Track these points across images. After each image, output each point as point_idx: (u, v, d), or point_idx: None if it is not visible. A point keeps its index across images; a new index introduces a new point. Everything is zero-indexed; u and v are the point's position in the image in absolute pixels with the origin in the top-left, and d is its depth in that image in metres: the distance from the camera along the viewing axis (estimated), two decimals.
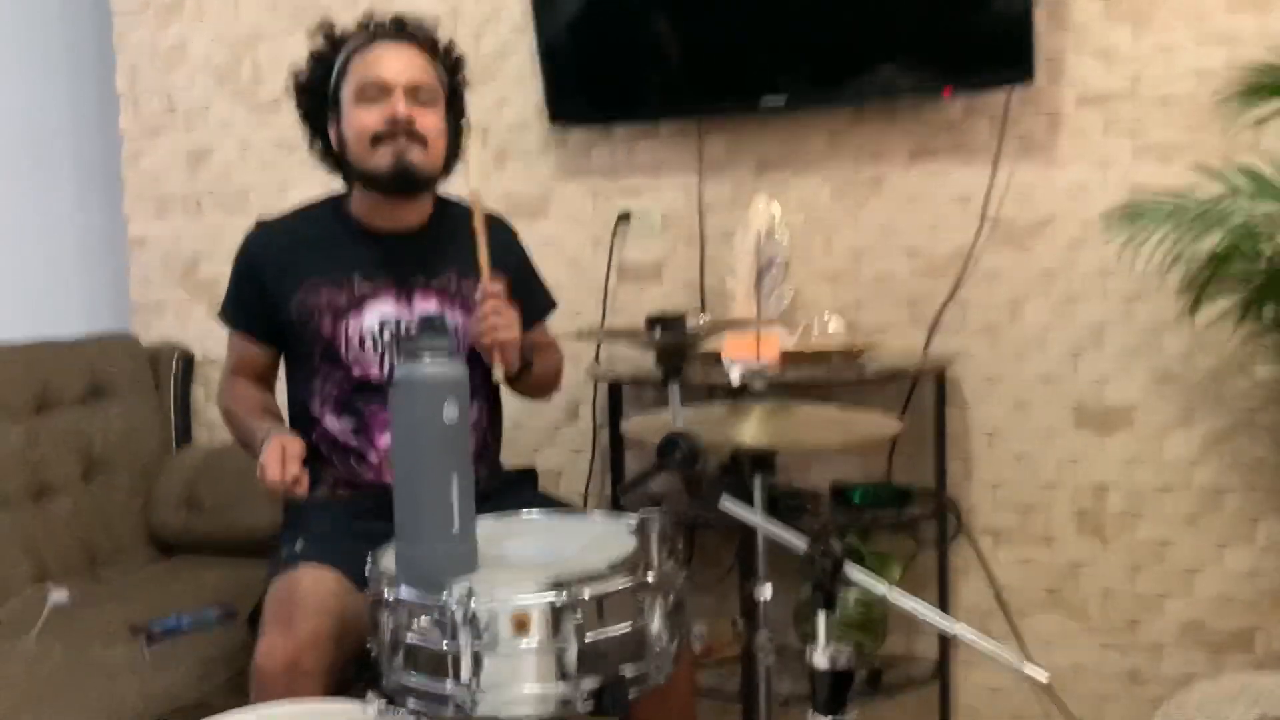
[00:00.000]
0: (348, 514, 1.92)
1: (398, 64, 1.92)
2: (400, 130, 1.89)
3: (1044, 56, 2.36)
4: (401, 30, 1.97)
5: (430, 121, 1.93)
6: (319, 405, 1.97)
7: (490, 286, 1.89)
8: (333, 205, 2.05)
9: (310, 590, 1.73)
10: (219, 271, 2.07)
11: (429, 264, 2.00)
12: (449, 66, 2.02)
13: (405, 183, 1.93)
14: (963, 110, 2.46)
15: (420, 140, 1.91)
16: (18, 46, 2.88)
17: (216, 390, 2.12)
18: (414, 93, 1.92)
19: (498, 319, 1.89)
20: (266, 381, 2.07)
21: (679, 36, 2.53)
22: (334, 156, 2.01)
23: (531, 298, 2.20)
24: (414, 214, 2.02)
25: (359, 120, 1.91)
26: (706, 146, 2.61)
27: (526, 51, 2.67)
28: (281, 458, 1.73)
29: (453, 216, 2.08)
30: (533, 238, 2.65)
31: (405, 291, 1.97)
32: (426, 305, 1.97)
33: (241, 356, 2.05)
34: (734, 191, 2.61)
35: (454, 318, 1.98)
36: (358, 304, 1.95)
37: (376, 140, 1.90)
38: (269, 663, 1.64)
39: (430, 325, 1.46)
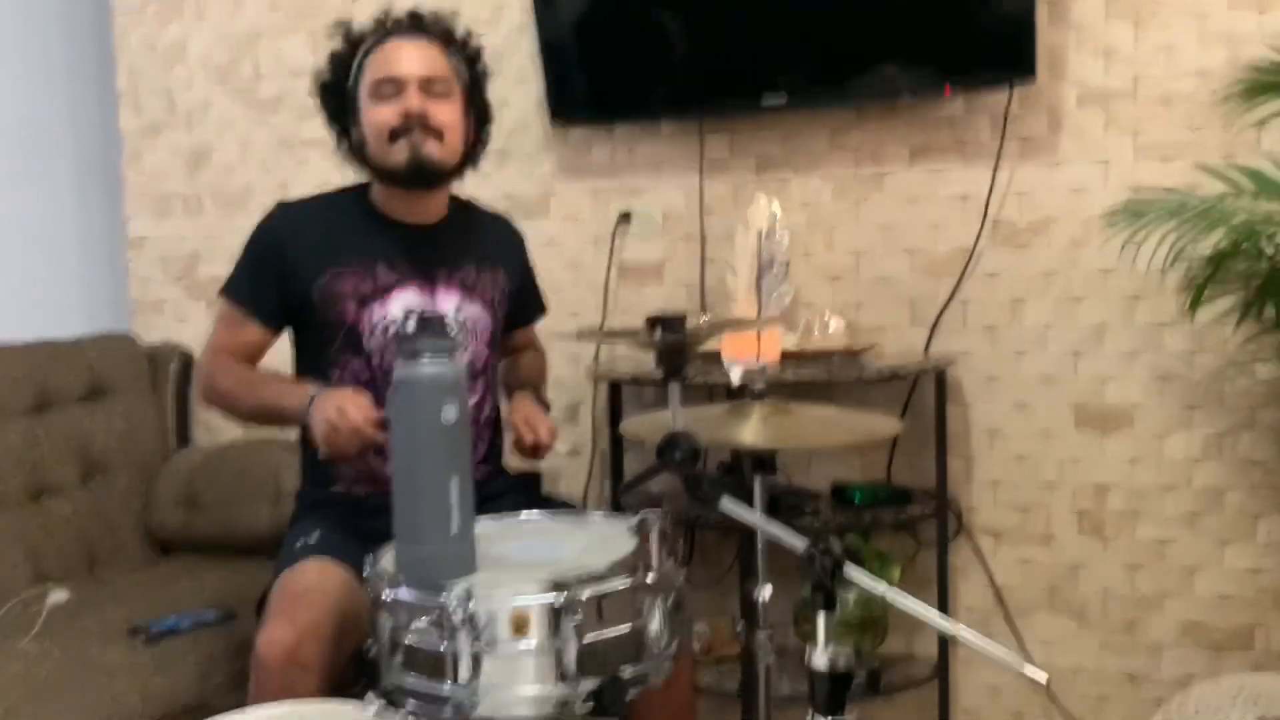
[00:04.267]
0: (361, 512, 1.91)
1: (411, 58, 1.93)
2: (415, 124, 1.90)
3: (1045, 55, 2.35)
4: (416, 25, 1.98)
5: (446, 114, 1.94)
6: None
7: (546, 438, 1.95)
8: (356, 195, 2.05)
9: (316, 583, 1.73)
10: (219, 271, 2.05)
11: (450, 256, 2.01)
12: (467, 57, 2.02)
13: (422, 176, 1.94)
14: (964, 109, 2.46)
15: (435, 133, 1.92)
16: (18, 46, 2.88)
17: (203, 367, 2.05)
18: (428, 86, 1.92)
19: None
20: (252, 365, 2.03)
21: (679, 35, 2.52)
22: (360, 155, 2.00)
23: (530, 300, 2.22)
24: (433, 209, 2.03)
25: (375, 117, 1.92)
26: (707, 145, 2.61)
27: (527, 51, 2.67)
28: (353, 404, 1.73)
29: (468, 212, 2.11)
30: (533, 237, 2.64)
31: (429, 282, 1.98)
32: (449, 296, 1.98)
33: (236, 335, 1.99)
34: (735, 191, 2.61)
35: (471, 310, 1.99)
36: (383, 292, 1.95)
37: (393, 136, 1.90)
38: (269, 652, 1.63)
39: (429, 325, 1.46)
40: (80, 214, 3.04)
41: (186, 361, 2.86)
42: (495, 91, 2.69)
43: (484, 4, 2.71)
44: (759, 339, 2.31)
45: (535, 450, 1.93)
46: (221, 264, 2.05)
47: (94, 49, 3.04)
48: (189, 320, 2.98)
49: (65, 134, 3.01)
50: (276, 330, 2.02)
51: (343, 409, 1.73)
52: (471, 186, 2.70)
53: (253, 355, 2.03)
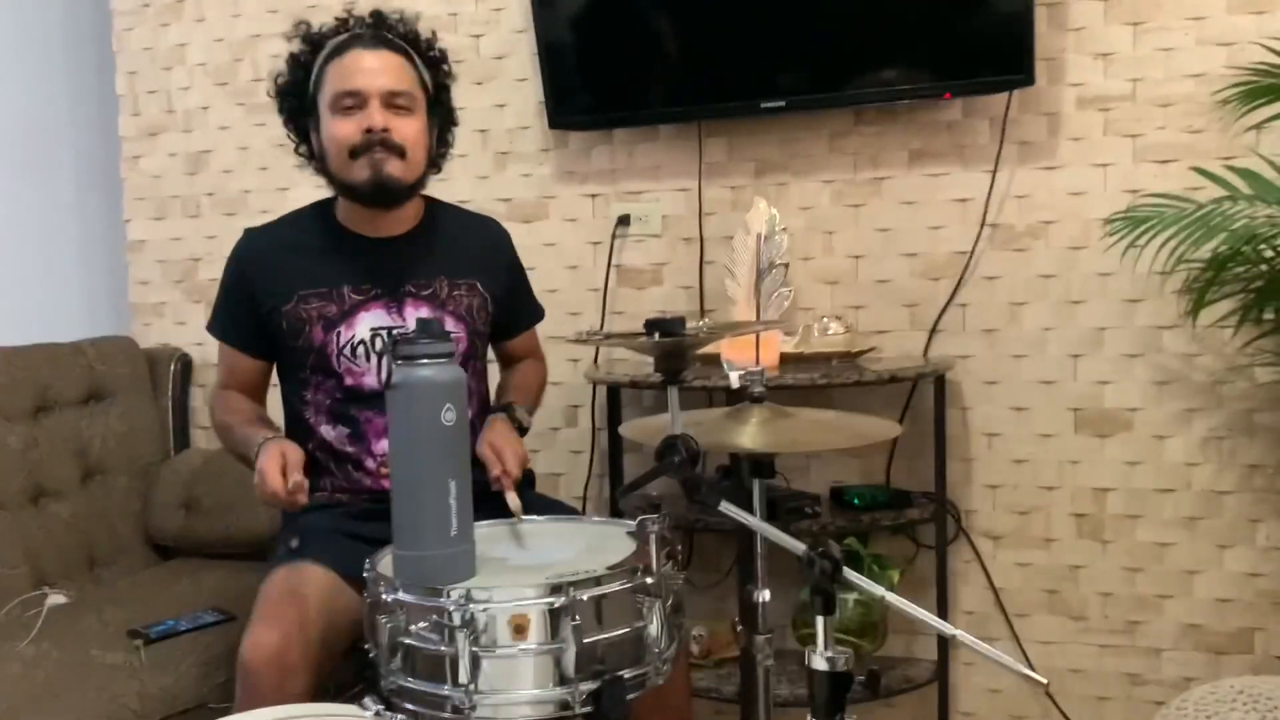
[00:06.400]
0: (346, 516, 1.92)
1: (373, 71, 1.88)
2: (376, 142, 1.86)
3: (1044, 58, 2.36)
4: (379, 31, 1.93)
5: (408, 129, 1.90)
6: (314, 414, 1.97)
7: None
8: (320, 212, 2.03)
9: (301, 586, 1.73)
10: (218, 274, 2.06)
11: (418, 271, 1.98)
12: (430, 64, 1.98)
13: (383, 196, 1.91)
14: (962, 112, 2.46)
15: (398, 151, 1.88)
16: (18, 47, 2.88)
17: (209, 404, 2.10)
18: (391, 100, 1.88)
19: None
20: (258, 394, 2.05)
21: (679, 39, 2.53)
22: (320, 164, 1.98)
23: (521, 305, 2.20)
24: (400, 220, 2.00)
25: (335, 131, 1.88)
26: (706, 149, 2.61)
27: (526, 54, 2.68)
28: (281, 465, 1.71)
29: (441, 218, 2.07)
30: (532, 240, 2.66)
31: (396, 301, 1.96)
32: (418, 312, 1.96)
33: (232, 369, 2.03)
34: (734, 194, 2.61)
35: (446, 324, 1.97)
36: (349, 314, 1.94)
37: (354, 153, 1.87)
38: (256, 655, 1.63)
39: (427, 328, 1.45)
40: (80, 217, 3.04)
41: (186, 364, 2.86)
42: (495, 94, 2.72)
43: (484, 6, 2.72)
44: (758, 342, 2.31)
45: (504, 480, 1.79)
46: (220, 267, 2.06)
47: (93, 52, 3.04)
48: (188, 323, 2.98)
49: (65, 137, 3.01)
50: (266, 358, 2.03)
51: (262, 473, 1.70)
52: (470, 189, 2.72)
53: (253, 384, 2.04)
